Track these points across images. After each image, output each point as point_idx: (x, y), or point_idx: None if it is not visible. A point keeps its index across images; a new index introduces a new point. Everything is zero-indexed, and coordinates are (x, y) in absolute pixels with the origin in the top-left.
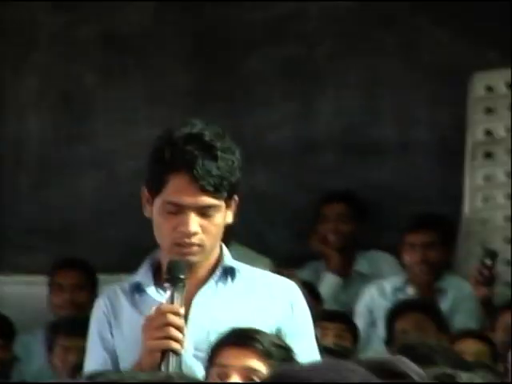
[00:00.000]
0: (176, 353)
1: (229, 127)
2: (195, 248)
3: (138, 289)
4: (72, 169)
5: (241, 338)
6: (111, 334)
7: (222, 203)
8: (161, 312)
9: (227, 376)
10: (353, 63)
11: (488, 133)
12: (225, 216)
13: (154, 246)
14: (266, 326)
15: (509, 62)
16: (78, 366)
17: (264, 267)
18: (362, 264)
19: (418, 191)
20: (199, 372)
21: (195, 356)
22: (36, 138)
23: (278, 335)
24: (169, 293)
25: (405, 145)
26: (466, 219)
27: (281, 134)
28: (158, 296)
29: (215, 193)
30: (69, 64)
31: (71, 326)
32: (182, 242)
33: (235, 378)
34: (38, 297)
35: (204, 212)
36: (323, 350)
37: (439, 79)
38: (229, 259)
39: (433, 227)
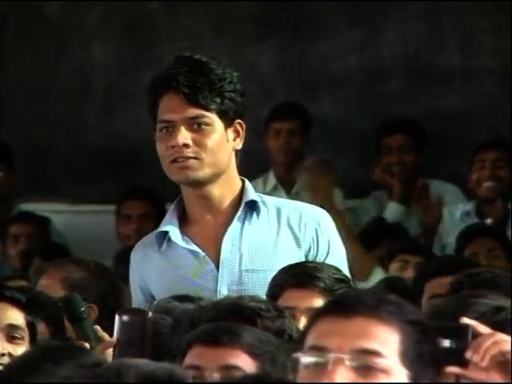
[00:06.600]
0: None
1: (294, 56)
2: (191, 161)
3: (166, 237)
4: (137, 97)
5: (302, 279)
6: (146, 284)
7: (212, 115)
8: None
9: (295, 318)
10: None
11: None
12: (225, 135)
13: None
14: (295, 256)
15: None
16: None
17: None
18: None
19: (482, 119)
20: None
21: None
22: (101, 66)
23: (337, 267)
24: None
25: (470, 72)
26: None
27: (346, 63)
28: (183, 243)
29: (202, 103)
30: None
31: None
32: (177, 158)
33: (303, 320)
34: (105, 226)
35: (194, 125)
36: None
37: (504, 6)
38: (251, 193)
39: (503, 147)
